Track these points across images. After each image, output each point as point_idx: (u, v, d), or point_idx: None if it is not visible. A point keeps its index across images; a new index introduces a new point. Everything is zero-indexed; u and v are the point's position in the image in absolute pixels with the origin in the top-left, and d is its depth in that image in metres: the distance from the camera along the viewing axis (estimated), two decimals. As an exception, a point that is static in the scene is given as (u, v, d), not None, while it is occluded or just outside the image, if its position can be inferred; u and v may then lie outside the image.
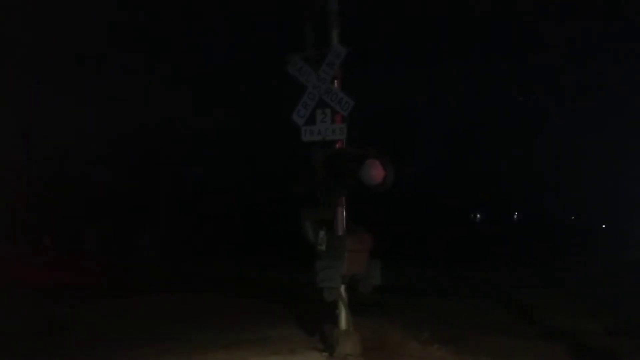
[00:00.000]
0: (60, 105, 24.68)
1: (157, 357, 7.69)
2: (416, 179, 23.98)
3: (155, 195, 29.30)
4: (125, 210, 28.41)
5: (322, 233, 7.06)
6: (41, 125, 26.71)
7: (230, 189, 28.43)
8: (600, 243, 26.67)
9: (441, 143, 28.72)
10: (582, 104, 26.96)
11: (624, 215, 28.86)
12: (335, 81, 7.31)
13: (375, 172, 6.67)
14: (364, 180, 6.69)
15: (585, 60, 24.63)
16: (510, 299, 12.68)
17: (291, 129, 7.47)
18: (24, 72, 24.99)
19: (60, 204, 28.53)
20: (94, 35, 24.03)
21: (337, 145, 7.27)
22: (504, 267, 19.96)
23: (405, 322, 9.00)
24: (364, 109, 7.66)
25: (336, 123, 7.25)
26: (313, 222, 7.17)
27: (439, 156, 28.32)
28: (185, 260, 23.01)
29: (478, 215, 35.24)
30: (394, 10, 21.01)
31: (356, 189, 6.90)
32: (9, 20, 23.23)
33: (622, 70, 23.74)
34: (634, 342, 8.25)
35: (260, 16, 21.51)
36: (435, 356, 7.55)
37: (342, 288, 7.06)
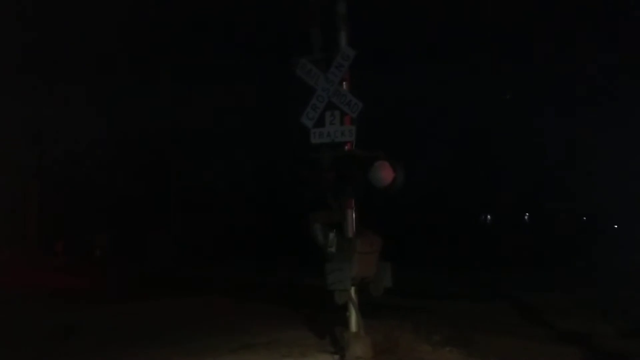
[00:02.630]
0: (70, 110, 24.84)
1: (166, 361, 7.71)
2: (425, 181, 23.86)
3: (165, 200, 29.39)
4: (135, 214, 28.49)
5: (331, 235, 7.03)
6: (51, 130, 26.87)
7: (238, 192, 28.45)
8: (612, 244, 26.44)
9: (450, 144, 28.58)
10: (596, 103, 26.76)
11: (637, 216, 28.55)
12: (344, 83, 7.30)
13: (385, 173, 6.65)
14: (373, 182, 6.67)
15: (598, 58, 24.46)
16: (521, 301, 12.59)
17: (300, 131, 7.46)
18: (33, 77, 25.16)
19: (71, 209, 28.66)
20: (102, 40, 24.18)
21: (347, 147, 7.25)
22: (515, 268, 19.84)
23: (416, 324, 8.95)
24: (372, 111, 7.64)
25: (345, 125, 7.24)
26: (322, 225, 7.14)
27: (448, 157, 28.18)
28: (195, 264, 23.04)
29: (488, 217, 35.04)
30: (402, 10, 21.01)
31: (365, 190, 6.87)
32: (19, 25, 23.43)
33: (637, 68, 23.53)
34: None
35: (268, 18, 21.57)
36: (446, 359, 7.51)
37: (353, 290, 7.03)
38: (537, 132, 28.32)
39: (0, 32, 22.84)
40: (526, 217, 34.49)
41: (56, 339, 9.23)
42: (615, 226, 32.67)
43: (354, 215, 7.14)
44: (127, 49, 24.26)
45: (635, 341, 8.44)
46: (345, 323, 7.13)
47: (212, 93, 25.49)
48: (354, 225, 7.11)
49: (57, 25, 24.35)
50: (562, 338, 8.77)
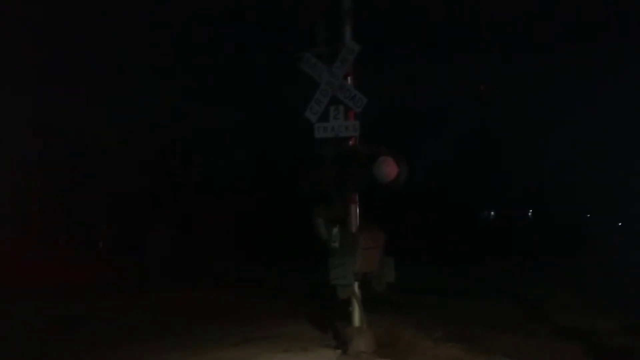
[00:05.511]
0: (73, 105, 24.88)
1: (169, 354, 7.71)
2: (429, 177, 23.86)
3: (167, 195, 29.41)
4: (137, 209, 28.54)
5: (335, 230, 7.02)
6: (54, 125, 26.89)
7: (241, 188, 28.47)
8: (616, 241, 26.42)
9: (454, 140, 28.57)
10: (599, 99, 26.72)
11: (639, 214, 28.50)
12: (349, 78, 7.28)
13: (389, 169, 6.63)
14: (377, 177, 6.66)
15: (600, 57, 24.40)
16: (523, 298, 12.59)
17: (304, 126, 7.44)
18: (37, 72, 25.22)
19: (74, 203, 28.72)
20: (106, 35, 24.20)
21: (351, 142, 7.23)
22: (518, 265, 19.83)
23: (418, 320, 8.95)
24: (376, 106, 7.62)
25: (349, 120, 7.22)
26: (326, 220, 7.13)
27: (452, 153, 28.17)
28: (197, 258, 23.08)
29: (492, 213, 35.00)
30: (405, 7, 20.99)
31: (369, 186, 6.86)
32: (23, 18, 23.46)
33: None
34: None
35: (272, 13, 21.53)
36: (448, 354, 7.50)
37: (356, 285, 7.02)
38: (540, 129, 28.29)
39: (4, 25, 22.90)
40: (529, 214, 34.46)
41: (58, 331, 9.26)
42: (620, 224, 32.60)
43: (357, 210, 7.13)
44: (129, 46, 24.25)
45: (639, 337, 8.43)
46: (348, 318, 7.13)
47: (213, 89, 25.52)
48: (357, 220, 7.10)
49: (62, 19, 24.40)
50: (565, 334, 8.76)
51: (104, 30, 24.14)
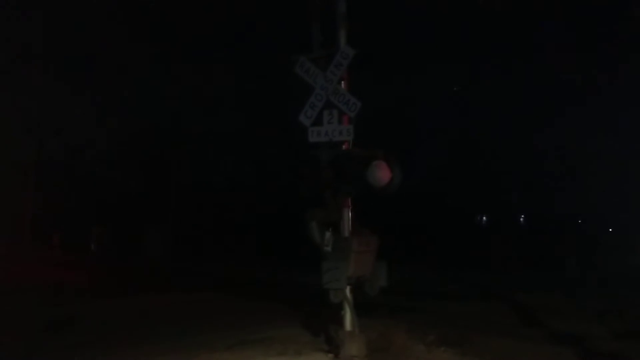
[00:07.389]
0: (69, 105, 24.82)
1: (161, 356, 7.70)
2: (421, 181, 23.85)
3: (162, 196, 29.37)
4: (133, 209, 28.47)
5: (328, 234, 7.03)
6: (50, 125, 26.81)
7: (236, 190, 28.43)
8: (607, 246, 26.51)
9: (447, 144, 28.58)
10: (592, 104, 26.74)
11: (632, 219, 28.60)
12: (342, 82, 7.30)
13: (382, 173, 6.66)
14: (371, 181, 6.68)
15: (594, 58, 24.43)
16: (516, 302, 12.63)
17: (298, 130, 7.46)
18: (33, 72, 25.15)
19: (68, 203, 28.64)
20: (102, 36, 24.16)
21: (344, 147, 7.25)
22: (510, 269, 19.88)
23: (411, 324, 8.95)
24: (369, 110, 7.64)
25: (343, 124, 7.23)
26: (319, 223, 7.14)
27: (444, 158, 28.18)
28: (191, 260, 23.05)
29: (484, 218, 35.04)
30: (398, 10, 21.04)
31: (363, 190, 6.88)
32: (20, 21, 23.43)
33: (633, 68, 23.45)
34: (641, 346, 8.21)
35: (268, 17, 21.56)
36: (441, 359, 7.52)
37: (348, 289, 7.04)
38: (536, 134, 28.32)
39: (1, 24, 22.87)
40: (521, 219, 34.55)
41: (50, 332, 9.23)
42: (610, 230, 32.68)
43: (350, 214, 7.15)
44: (127, 44, 24.21)
45: (630, 342, 8.47)
46: (340, 322, 7.14)
47: (212, 90, 25.48)
48: (350, 224, 7.12)
49: (58, 18, 24.35)
50: (558, 339, 8.80)
51: (102, 29, 24.10)
